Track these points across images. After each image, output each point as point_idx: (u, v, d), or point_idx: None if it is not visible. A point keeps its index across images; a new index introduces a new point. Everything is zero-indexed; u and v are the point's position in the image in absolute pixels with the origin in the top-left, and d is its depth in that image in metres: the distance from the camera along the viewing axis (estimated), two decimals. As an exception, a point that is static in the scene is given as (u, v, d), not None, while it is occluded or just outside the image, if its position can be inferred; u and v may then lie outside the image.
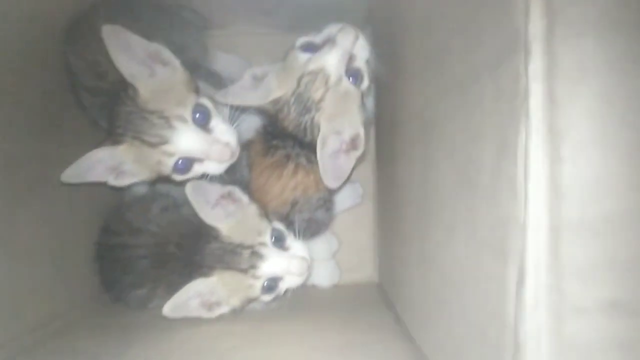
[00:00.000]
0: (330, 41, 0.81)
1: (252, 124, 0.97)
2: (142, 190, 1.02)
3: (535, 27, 0.35)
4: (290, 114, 0.84)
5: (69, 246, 0.93)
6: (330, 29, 0.84)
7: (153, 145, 0.78)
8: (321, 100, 0.82)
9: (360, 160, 1.02)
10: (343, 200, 1.09)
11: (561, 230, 0.34)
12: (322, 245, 1.08)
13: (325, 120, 0.83)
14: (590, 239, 0.33)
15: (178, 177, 0.83)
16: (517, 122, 0.37)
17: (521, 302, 0.36)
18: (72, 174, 0.77)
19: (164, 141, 0.78)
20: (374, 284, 1.09)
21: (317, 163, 0.85)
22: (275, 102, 0.85)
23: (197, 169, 0.83)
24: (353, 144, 0.84)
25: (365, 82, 0.85)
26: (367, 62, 0.85)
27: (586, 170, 0.34)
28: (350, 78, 0.83)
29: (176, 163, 0.80)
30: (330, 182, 0.83)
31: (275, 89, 0.84)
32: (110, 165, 0.80)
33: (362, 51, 0.84)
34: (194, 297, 0.84)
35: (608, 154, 0.33)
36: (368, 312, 0.89)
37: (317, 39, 0.84)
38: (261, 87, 0.85)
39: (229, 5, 1.06)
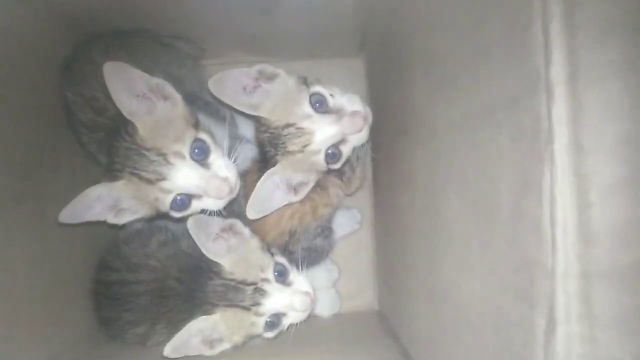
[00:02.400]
0: (338, 115, 0.79)
1: (248, 153, 0.96)
2: (139, 225, 1.00)
3: (558, 71, 0.34)
4: (263, 135, 0.83)
5: (66, 285, 0.91)
6: (349, 103, 0.81)
7: (151, 182, 0.77)
8: (290, 153, 0.81)
9: (358, 188, 1.03)
10: (341, 227, 1.07)
11: (592, 278, 0.33)
12: (323, 274, 1.07)
13: (283, 165, 0.82)
14: (623, 288, 0.32)
15: (176, 215, 0.81)
16: (541, 165, 0.36)
17: (552, 352, 0.35)
18: (70, 213, 0.74)
19: (162, 178, 0.76)
20: (374, 312, 1.07)
21: (312, 191, 0.85)
22: (258, 117, 0.83)
23: (196, 206, 0.81)
24: (297, 189, 0.84)
25: (338, 166, 0.84)
26: (355, 149, 0.84)
27: (616, 216, 0.33)
28: (329, 153, 0.81)
29: (174, 200, 0.79)
30: (252, 212, 0.81)
31: (265, 109, 0.82)
32: (110, 203, 0.78)
33: (357, 140, 0.82)
34: (195, 335, 0.82)
35: (638, 198, 0.33)
36: (372, 343, 0.88)
37: (331, 101, 0.81)
38: (255, 98, 0.82)
39: (223, 35, 1.05)
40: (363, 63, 1.15)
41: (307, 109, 0.79)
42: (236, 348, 0.86)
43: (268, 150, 0.83)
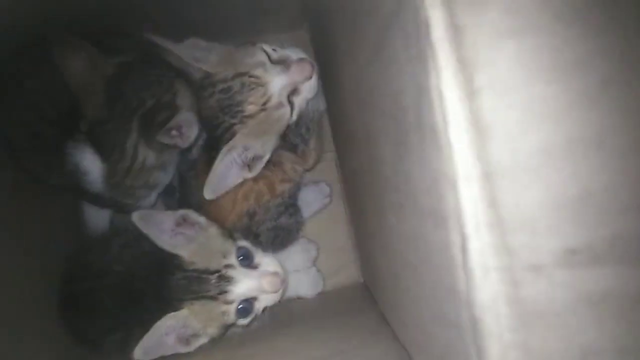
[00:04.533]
0: (285, 64, 0.77)
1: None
2: (99, 229, 0.97)
3: None
4: (211, 99, 0.79)
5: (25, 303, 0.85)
6: (291, 52, 0.80)
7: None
8: (250, 117, 0.77)
9: (316, 161, 0.98)
10: (311, 203, 1.03)
11: (495, 177, 0.29)
12: (300, 254, 1.03)
13: (242, 134, 0.78)
14: (530, 180, 0.28)
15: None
16: (426, 63, 0.31)
17: (469, 270, 0.30)
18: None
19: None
20: (359, 284, 1.03)
21: (264, 167, 0.81)
22: (205, 79, 0.80)
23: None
24: (251, 164, 0.80)
25: (294, 118, 0.81)
26: (308, 102, 0.82)
27: (509, 99, 0.28)
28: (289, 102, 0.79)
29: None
30: (208, 192, 0.78)
31: (213, 62, 0.79)
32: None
33: (308, 91, 0.80)
34: (168, 334, 0.78)
35: (531, 76, 0.28)
36: (353, 315, 0.84)
37: (275, 54, 0.79)
38: (202, 53, 0.79)
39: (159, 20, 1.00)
40: (307, 33, 1.10)
41: (260, 57, 0.77)
42: (214, 341, 0.82)
43: (221, 122, 0.79)
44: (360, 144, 0.65)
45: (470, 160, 0.29)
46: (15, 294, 0.83)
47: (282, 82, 0.76)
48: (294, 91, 0.78)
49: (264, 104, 0.76)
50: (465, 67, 0.29)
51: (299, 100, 0.79)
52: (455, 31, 0.29)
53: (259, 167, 0.81)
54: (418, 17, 0.31)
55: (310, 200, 1.04)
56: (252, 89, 0.76)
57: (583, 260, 0.27)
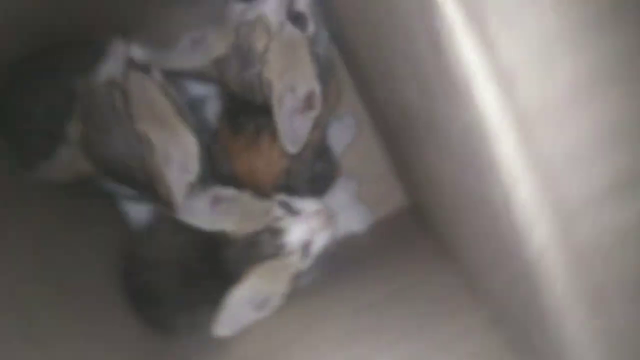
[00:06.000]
0: None
1: (213, 109, 0.91)
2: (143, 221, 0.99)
3: None
4: (232, 71, 0.77)
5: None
6: None
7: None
8: (265, 51, 0.74)
9: (337, 100, 0.95)
10: (339, 139, 1.01)
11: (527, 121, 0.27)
12: (339, 193, 1.01)
13: (276, 76, 0.75)
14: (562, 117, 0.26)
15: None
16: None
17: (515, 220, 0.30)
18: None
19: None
20: (407, 209, 1.02)
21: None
22: (218, 62, 0.78)
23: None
24: (308, 102, 0.77)
25: (311, 27, 0.77)
26: (311, 5, 0.77)
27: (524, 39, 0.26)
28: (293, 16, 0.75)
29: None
30: (290, 147, 0.76)
31: (215, 47, 0.77)
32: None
33: (304, 2, 0.76)
34: (242, 305, 0.79)
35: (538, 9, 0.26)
36: (407, 246, 0.83)
37: None
38: (201, 48, 0.78)
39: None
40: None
41: (239, 7, 0.76)
42: (285, 297, 0.84)
43: (250, 76, 0.77)
44: (382, 79, 0.63)
45: (500, 111, 0.28)
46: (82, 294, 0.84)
47: (272, 4, 0.73)
48: (292, 2, 0.75)
49: (267, 32, 0.74)
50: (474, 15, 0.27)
51: (302, 7, 0.76)
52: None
53: (317, 102, 0.78)
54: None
55: (338, 136, 1.01)
56: (254, 29, 0.74)
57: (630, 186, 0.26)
